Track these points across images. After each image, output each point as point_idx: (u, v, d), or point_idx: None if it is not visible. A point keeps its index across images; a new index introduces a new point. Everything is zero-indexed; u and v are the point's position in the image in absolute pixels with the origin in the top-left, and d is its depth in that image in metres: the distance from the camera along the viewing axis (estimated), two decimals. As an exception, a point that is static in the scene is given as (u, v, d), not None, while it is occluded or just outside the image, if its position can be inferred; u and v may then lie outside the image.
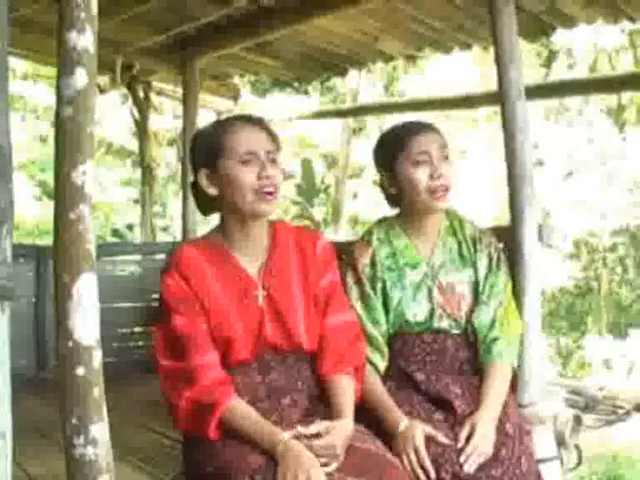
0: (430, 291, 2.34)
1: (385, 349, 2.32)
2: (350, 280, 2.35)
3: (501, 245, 2.56)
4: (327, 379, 2.08)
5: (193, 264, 2.03)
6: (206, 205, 2.15)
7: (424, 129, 2.34)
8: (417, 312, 2.32)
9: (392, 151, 2.36)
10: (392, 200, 2.46)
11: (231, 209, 2.04)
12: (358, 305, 2.31)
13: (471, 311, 2.35)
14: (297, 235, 2.18)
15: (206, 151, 2.05)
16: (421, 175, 2.28)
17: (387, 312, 2.33)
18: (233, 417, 1.90)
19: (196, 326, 1.98)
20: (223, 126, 2.07)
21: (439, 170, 2.28)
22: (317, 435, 1.85)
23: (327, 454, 1.81)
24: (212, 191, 2.04)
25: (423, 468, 1.98)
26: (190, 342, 1.96)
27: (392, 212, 2.51)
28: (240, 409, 1.92)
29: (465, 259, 2.40)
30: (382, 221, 2.48)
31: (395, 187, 2.38)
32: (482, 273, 2.38)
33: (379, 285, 2.33)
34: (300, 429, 1.85)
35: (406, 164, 2.31)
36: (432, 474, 1.96)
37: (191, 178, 2.14)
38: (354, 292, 2.33)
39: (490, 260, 2.41)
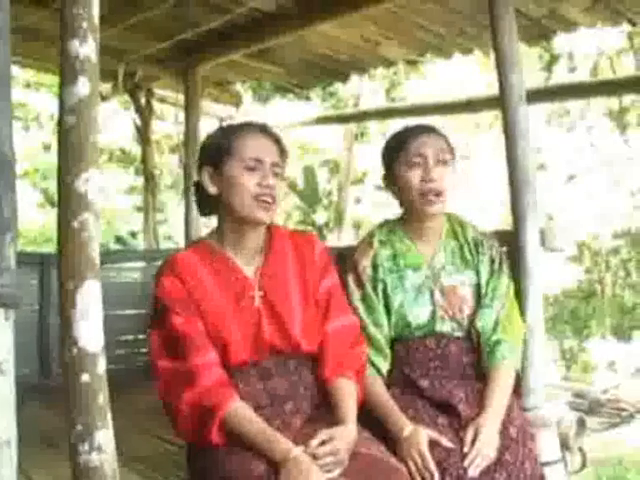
0: (432, 293, 2.35)
1: (388, 351, 2.32)
2: (352, 282, 2.35)
3: (504, 248, 2.57)
4: (329, 384, 2.08)
5: (188, 266, 2.04)
6: (206, 205, 2.17)
7: (425, 132, 2.37)
8: (419, 314, 2.32)
9: (392, 152, 2.40)
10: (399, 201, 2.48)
11: (229, 211, 2.06)
12: (360, 307, 2.32)
13: (473, 314, 2.35)
14: (294, 238, 2.19)
15: (214, 150, 2.07)
16: (413, 177, 2.31)
17: (389, 314, 2.33)
18: (235, 421, 1.88)
19: (194, 326, 1.97)
20: (235, 129, 2.10)
21: (431, 174, 2.29)
22: (322, 442, 1.84)
23: (331, 460, 1.81)
24: (212, 190, 2.06)
25: (428, 473, 1.98)
26: (189, 341, 1.95)
27: (396, 215, 2.51)
28: (242, 413, 1.90)
29: (467, 262, 2.41)
30: (384, 224, 2.49)
31: (394, 188, 2.40)
32: (484, 276, 2.39)
33: (380, 287, 2.34)
34: (313, 444, 1.82)
35: (402, 165, 2.34)
36: (437, 478, 1.96)
37: (196, 180, 2.15)
38: (356, 294, 2.33)
39: (492, 263, 2.41)
